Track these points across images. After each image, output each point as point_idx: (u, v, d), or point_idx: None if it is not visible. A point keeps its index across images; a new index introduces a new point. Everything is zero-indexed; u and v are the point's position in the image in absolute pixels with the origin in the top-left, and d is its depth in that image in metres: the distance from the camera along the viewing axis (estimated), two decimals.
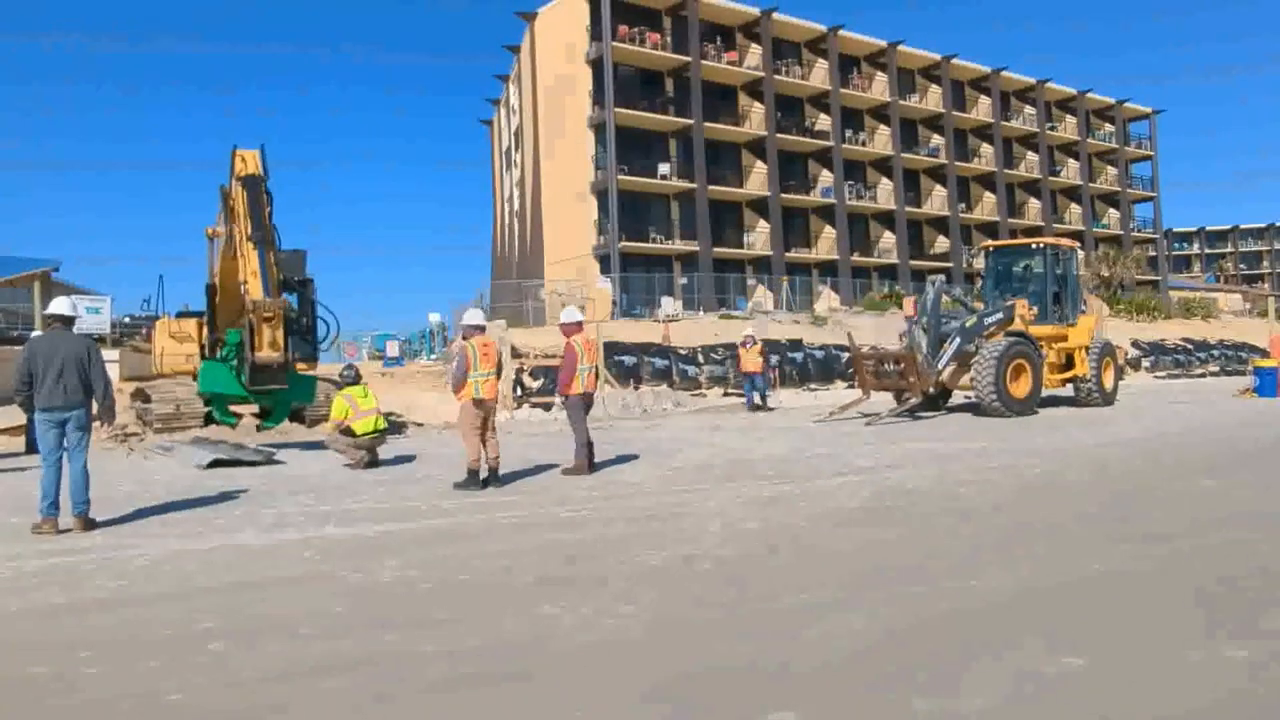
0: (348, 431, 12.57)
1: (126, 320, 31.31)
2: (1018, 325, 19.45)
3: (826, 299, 48.13)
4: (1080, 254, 23.47)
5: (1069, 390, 21.32)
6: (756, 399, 22.75)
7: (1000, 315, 19.51)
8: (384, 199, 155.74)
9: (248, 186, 13.05)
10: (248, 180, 13.09)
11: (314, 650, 4.67)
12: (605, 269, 43.55)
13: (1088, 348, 20.56)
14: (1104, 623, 4.90)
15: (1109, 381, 20.95)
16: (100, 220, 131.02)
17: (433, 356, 36.42)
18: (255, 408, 14.94)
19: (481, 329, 10.86)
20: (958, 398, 21.25)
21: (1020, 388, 18.57)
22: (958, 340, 18.50)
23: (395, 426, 18.45)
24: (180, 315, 17.43)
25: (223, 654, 4.63)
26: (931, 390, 19.04)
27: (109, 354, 22.97)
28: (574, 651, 4.61)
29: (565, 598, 5.53)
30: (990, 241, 24.11)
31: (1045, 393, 20.12)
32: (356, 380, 13.41)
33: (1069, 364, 20.77)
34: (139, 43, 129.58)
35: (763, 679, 4.15)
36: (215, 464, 12.39)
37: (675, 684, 4.14)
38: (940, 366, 18.33)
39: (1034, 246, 21.98)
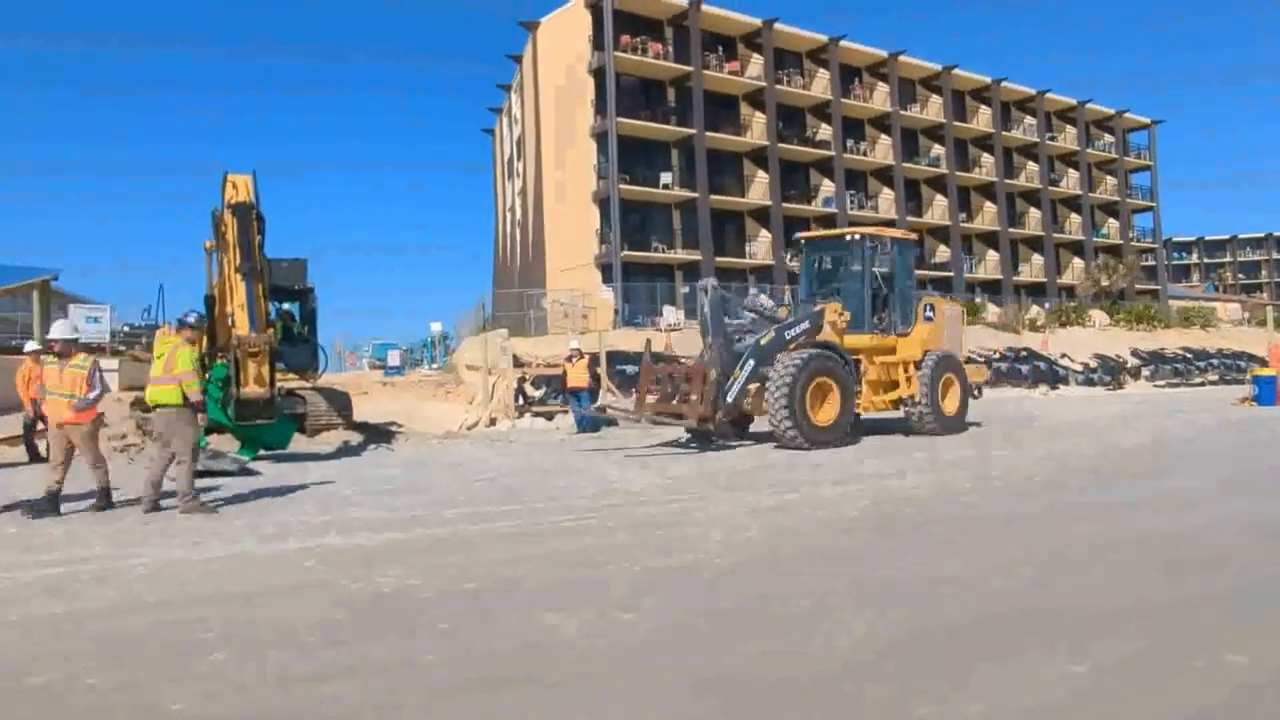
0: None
1: (126, 329, 31.22)
2: (828, 334, 16.01)
3: None
4: (916, 248, 18.89)
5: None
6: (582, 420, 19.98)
7: (806, 324, 15.94)
8: (386, 206, 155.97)
9: (238, 214, 13.00)
10: (238, 208, 13.04)
11: (316, 659, 4.66)
12: (607, 278, 43.55)
13: (918, 362, 16.85)
14: (1106, 629, 4.89)
15: (952, 403, 17.15)
16: (99, 228, 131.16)
17: (434, 366, 36.47)
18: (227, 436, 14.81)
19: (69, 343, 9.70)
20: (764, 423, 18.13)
21: (825, 413, 15.05)
22: (751, 363, 14.98)
23: (384, 435, 18.35)
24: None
25: (224, 663, 4.61)
26: (719, 420, 15.29)
27: (109, 363, 23.00)
28: (576, 659, 4.59)
29: (567, 606, 5.52)
30: (805, 233, 19.61)
31: (874, 416, 17.54)
32: (188, 326, 10.32)
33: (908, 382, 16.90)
34: (138, 46, 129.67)
35: (765, 686, 4.14)
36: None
37: (677, 691, 4.13)
38: (730, 400, 14.87)
39: (847, 238, 17.71)
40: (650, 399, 15.92)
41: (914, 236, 19.12)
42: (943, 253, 57.51)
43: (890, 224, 53.90)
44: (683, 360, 17.41)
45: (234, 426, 13.60)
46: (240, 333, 12.65)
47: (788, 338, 15.53)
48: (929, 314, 17.78)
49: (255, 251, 13.01)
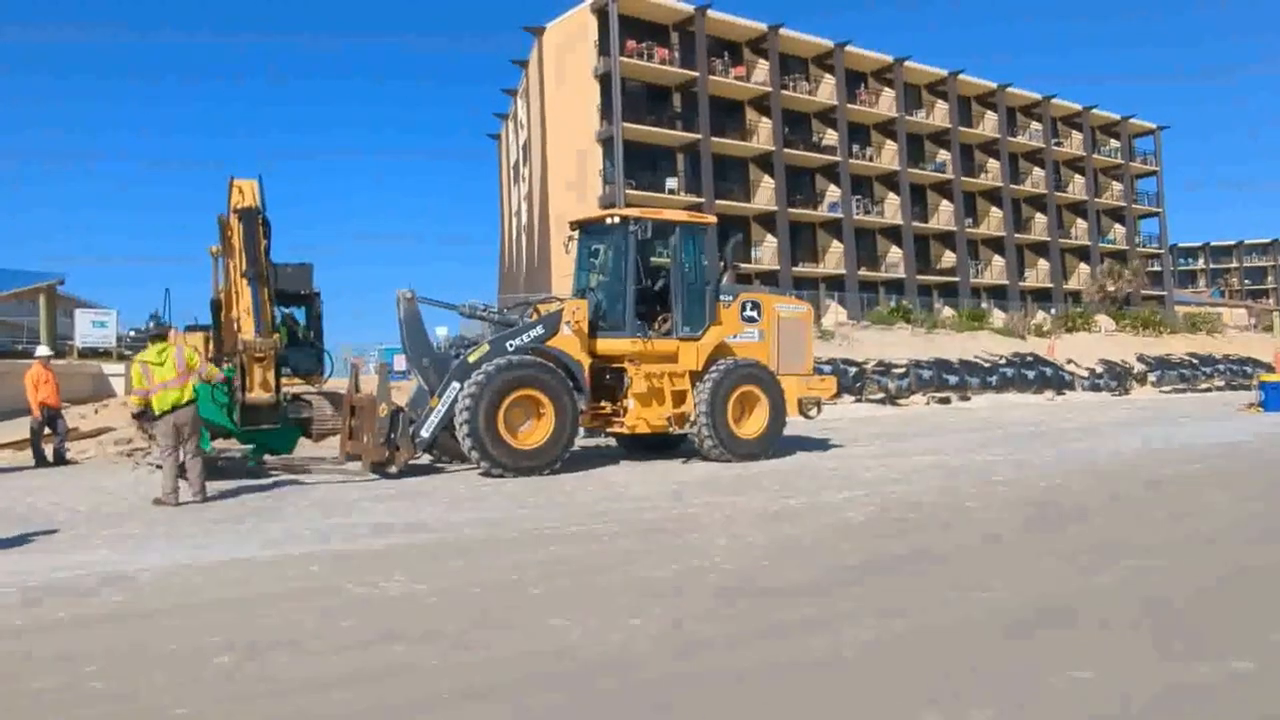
0: (146, 413, 10.73)
1: (132, 334, 31.31)
2: (565, 339, 13.18)
3: (834, 313, 48.08)
4: (704, 234, 14.91)
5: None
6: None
7: (540, 330, 13.10)
8: (390, 211, 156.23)
9: (244, 219, 13.06)
10: (244, 213, 13.10)
11: (321, 664, 4.66)
12: None
13: (700, 373, 13.80)
14: (1111, 635, 4.89)
15: (754, 424, 14.08)
16: (105, 231, 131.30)
17: None
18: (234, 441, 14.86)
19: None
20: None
21: (531, 435, 12.55)
22: (456, 385, 12.37)
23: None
24: (188, 329, 17.42)
25: (229, 668, 4.61)
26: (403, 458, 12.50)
27: (114, 368, 23.06)
28: (582, 664, 4.59)
29: (573, 610, 5.51)
30: (578, 217, 15.53)
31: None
32: (160, 336, 11.16)
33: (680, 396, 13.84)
34: (138, 33, 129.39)
35: (771, 691, 4.13)
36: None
37: (683, 696, 4.13)
38: (428, 434, 12.42)
39: (607, 221, 14.23)
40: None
41: (708, 220, 15.26)
42: (948, 258, 57.52)
43: (897, 229, 53.90)
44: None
45: (239, 431, 13.62)
46: (246, 337, 12.68)
47: (509, 348, 12.78)
48: (750, 313, 14.77)
49: (261, 256, 13.05)
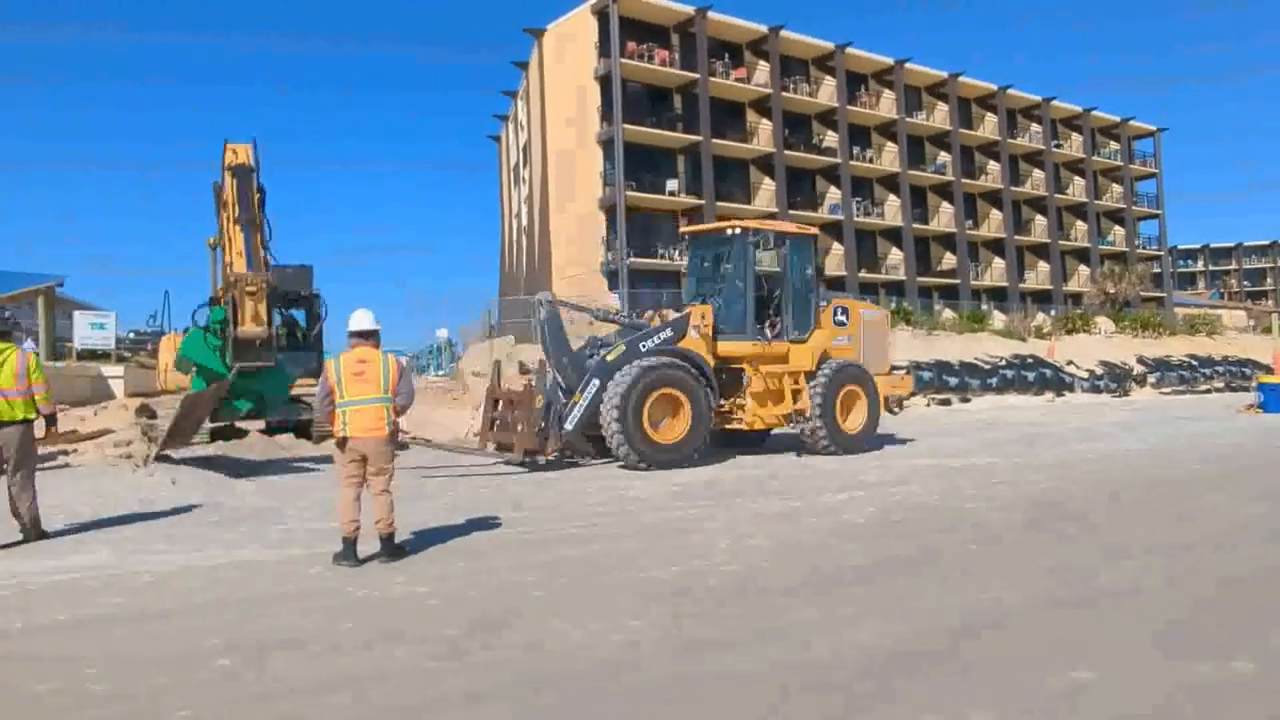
0: None
1: (131, 336, 31.29)
2: (693, 341, 14.19)
3: None
4: (812, 244, 16.06)
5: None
6: None
7: (669, 332, 14.17)
8: (390, 212, 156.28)
9: (237, 176, 13.02)
10: (238, 170, 13.06)
11: (322, 666, 4.66)
12: (614, 285, 43.57)
13: (811, 373, 14.86)
14: (1112, 636, 4.89)
15: (856, 419, 15.18)
16: (105, 227, 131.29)
17: (440, 372, 36.51)
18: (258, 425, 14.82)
19: (367, 336, 7.44)
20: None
21: (672, 429, 13.47)
22: (596, 382, 13.26)
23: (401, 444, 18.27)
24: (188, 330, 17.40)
25: (230, 670, 4.61)
26: (553, 448, 13.56)
27: (113, 370, 23.06)
28: (583, 666, 4.59)
29: (574, 612, 5.51)
30: (688, 227, 16.75)
31: (782, 432, 15.79)
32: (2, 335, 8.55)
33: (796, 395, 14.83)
34: (133, 36, 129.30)
35: (772, 693, 4.13)
36: (160, 459, 12.26)
37: (684, 698, 4.13)
38: (571, 426, 13.19)
39: (727, 232, 15.28)
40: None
41: (811, 231, 16.38)
42: (949, 260, 57.52)
43: (898, 231, 53.95)
44: (532, 384, 14.39)
45: (229, 375, 13.27)
46: (239, 271, 12.56)
47: (643, 349, 13.73)
48: (840, 318, 15.97)
49: (254, 206, 12.96)
